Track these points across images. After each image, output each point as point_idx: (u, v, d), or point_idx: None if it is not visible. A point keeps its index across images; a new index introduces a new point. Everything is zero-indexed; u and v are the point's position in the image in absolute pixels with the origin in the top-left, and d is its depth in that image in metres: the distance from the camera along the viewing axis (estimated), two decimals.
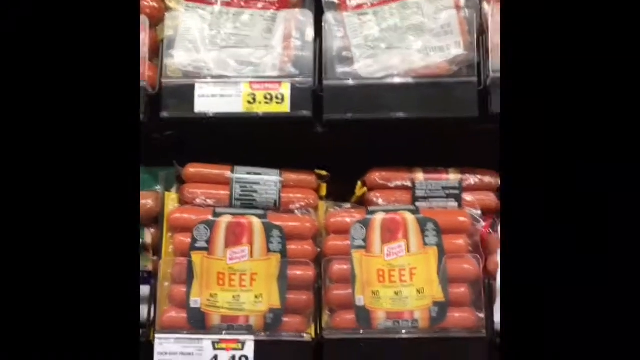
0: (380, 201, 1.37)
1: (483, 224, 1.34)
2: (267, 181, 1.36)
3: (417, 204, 1.37)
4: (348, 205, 1.38)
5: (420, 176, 1.39)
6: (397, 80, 1.27)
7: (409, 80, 1.27)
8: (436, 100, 1.26)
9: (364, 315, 1.26)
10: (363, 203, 1.39)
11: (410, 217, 1.30)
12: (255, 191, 1.36)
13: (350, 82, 1.28)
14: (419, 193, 1.38)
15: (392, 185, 1.38)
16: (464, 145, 1.38)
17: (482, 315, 1.25)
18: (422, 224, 1.30)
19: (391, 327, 1.25)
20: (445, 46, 1.29)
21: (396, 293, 1.27)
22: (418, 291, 1.27)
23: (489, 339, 1.22)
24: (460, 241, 1.30)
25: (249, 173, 1.36)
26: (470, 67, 1.27)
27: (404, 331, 1.24)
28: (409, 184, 1.38)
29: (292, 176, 1.38)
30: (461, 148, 1.39)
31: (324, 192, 1.40)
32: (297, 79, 1.28)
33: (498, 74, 1.25)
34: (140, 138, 0.95)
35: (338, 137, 1.32)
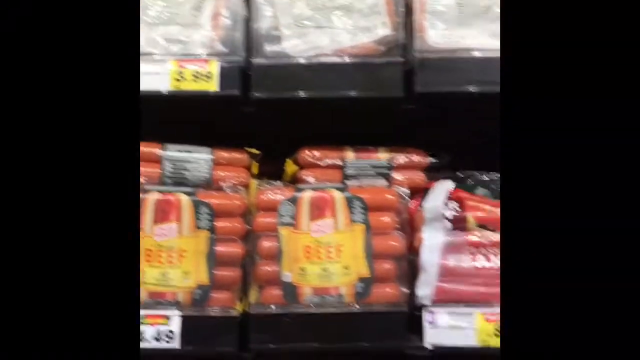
0: (311, 179, 1.39)
1: (411, 201, 1.37)
2: (198, 159, 1.37)
3: (348, 182, 1.39)
4: (279, 184, 1.40)
5: (350, 155, 1.42)
6: (325, 59, 1.29)
7: (337, 59, 1.29)
8: (363, 80, 1.28)
9: (290, 290, 1.28)
10: (295, 182, 1.41)
11: (338, 195, 1.33)
12: (187, 169, 1.36)
13: (279, 61, 1.29)
14: (349, 171, 1.41)
15: (322, 163, 1.40)
16: (393, 125, 1.41)
17: (405, 290, 1.29)
18: (349, 202, 1.32)
19: (317, 302, 1.28)
20: (372, 26, 1.31)
21: (323, 269, 1.30)
22: (344, 267, 1.30)
23: (410, 313, 1.26)
24: (387, 218, 1.32)
25: (179, 151, 1.37)
26: (397, 47, 1.30)
27: (329, 306, 1.28)
28: (339, 162, 1.40)
29: (224, 154, 1.40)
30: (390, 128, 1.41)
31: (256, 170, 1.42)
32: (225, 57, 1.29)
33: (423, 55, 1.28)
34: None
35: (269, 115, 1.33)
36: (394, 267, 1.31)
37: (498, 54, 1.22)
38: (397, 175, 1.41)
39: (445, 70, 1.27)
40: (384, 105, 1.33)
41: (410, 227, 1.36)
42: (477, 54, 1.28)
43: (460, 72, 1.27)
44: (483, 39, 1.29)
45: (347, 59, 1.29)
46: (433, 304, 1.26)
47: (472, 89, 1.27)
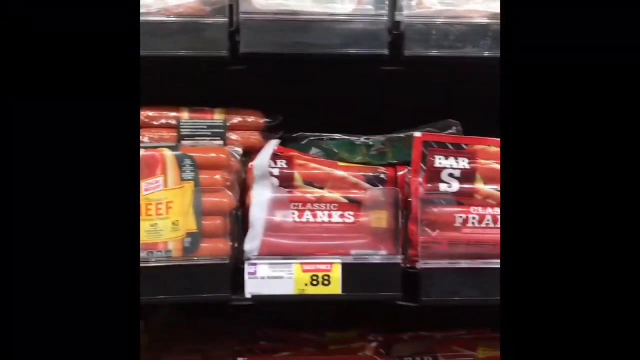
0: (146, 139, 1.41)
1: (239, 159, 1.42)
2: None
3: (183, 142, 1.42)
4: None
5: (185, 115, 1.44)
6: (150, 18, 1.30)
7: (162, 18, 1.31)
8: (188, 39, 1.30)
9: None
10: None
11: (168, 154, 1.35)
12: None
13: None
14: (183, 131, 1.43)
15: (157, 123, 1.42)
16: (225, 87, 1.44)
17: (234, 244, 1.35)
18: (180, 160, 1.35)
19: (144, 257, 1.31)
20: None
21: (151, 225, 1.32)
22: (173, 223, 1.33)
23: (233, 264, 1.32)
24: (217, 176, 1.36)
25: None
26: (223, 8, 1.32)
27: (154, 260, 1.31)
28: (174, 122, 1.43)
29: None
30: (223, 89, 1.44)
31: None
32: None
33: (247, 16, 1.31)
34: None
35: None
36: (222, 223, 1.35)
37: (322, 18, 1.30)
38: (232, 136, 1.45)
39: (270, 32, 1.31)
40: (214, 65, 1.37)
41: (245, 185, 1.42)
42: (301, 17, 1.33)
43: (283, 33, 1.31)
44: (307, 2, 1.34)
45: (172, 18, 1.30)
46: (255, 257, 1.32)
47: (296, 50, 1.32)
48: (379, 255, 1.33)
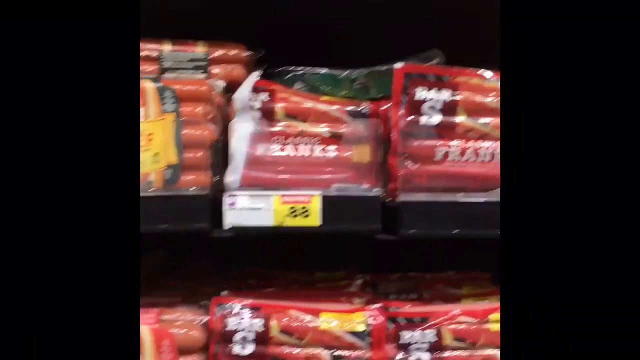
0: None
1: (222, 92, 1.41)
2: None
3: (165, 75, 1.41)
4: None
5: (167, 47, 1.43)
6: None
7: None
8: None
9: None
10: None
11: (149, 85, 1.34)
12: None
13: None
14: (165, 64, 1.43)
15: None
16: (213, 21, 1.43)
17: (215, 177, 1.35)
18: (161, 92, 1.34)
19: None
20: None
21: None
22: (154, 155, 1.33)
23: (213, 197, 1.32)
24: (199, 109, 1.36)
25: None
26: None
27: None
28: (155, 54, 1.42)
29: None
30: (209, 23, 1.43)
31: None
32: None
33: None
34: None
35: None
36: (203, 156, 1.35)
37: None
38: (214, 69, 1.44)
39: None
40: None
41: (227, 119, 1.41)
42: None
43: None
44: None
45: None
46: (236, 189, 1.32)
47: None
48: (359, 188, 1.32)
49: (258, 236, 1.32)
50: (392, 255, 1.73)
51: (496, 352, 1.33)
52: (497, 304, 1.38)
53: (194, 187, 1.32)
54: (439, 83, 1.30)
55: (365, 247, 1.97)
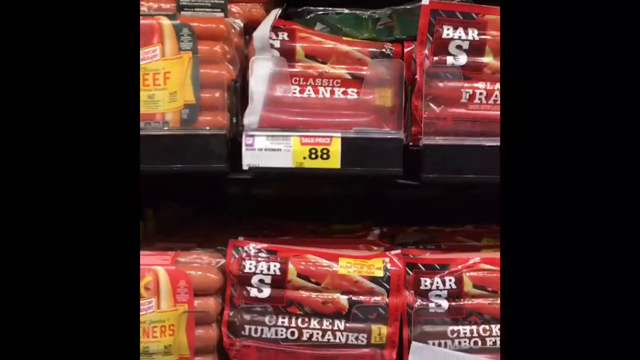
0: (144, 9, 1.36)
1: (240, 32, 1.36)
2: None
3: (182, 12, 1.37)
4: None
5: None
6: None
7: None
8: None
9: None
10: None
11: (166, 22, 1.30)
12: None
13: None
14: (183, 1, 1.37)
15: None
16: None
17: (233, 119, 1.31)
18: (177, 30, 1.30)
19: (142, 127, 1.29)
20: None
21: (149, 96, 1.30)
22: (171, 94, 1.30)
23: (231, 138, 1.29)
24: (217, 48, 1.32)
25: None
26: None
27: (153, 131, 1.29)
28: None
29: None
30: None
31: None
32: None
33: None
34: None
35: None
36: (221, 96, 1.32)
37: None
38: (233, 8, 1.39)
39: None
40: None
41: (246, 58, 1.37)
42: None
43: None
44: None
45: None
46: (254, 129, 1.29)
47: None
48: (381, 131, 1.29)
49: (277, 178, 1.29)
50: (409, 212, 1.71)
51: None
52: None
53: (212, 127, 1.30)
54: (466, 21, 1.25)
55: (381, 203, 1.95)
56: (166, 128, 1.29)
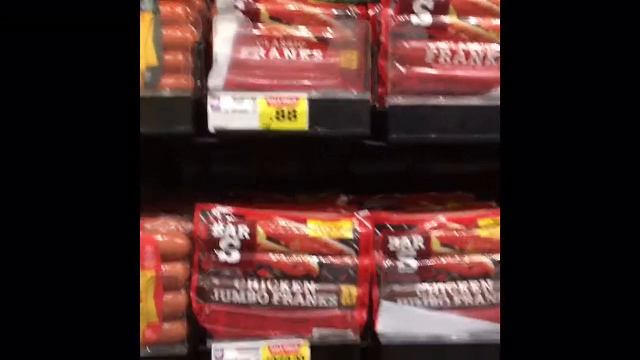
0: None
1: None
2: None
3: None
4: None
5: None
6: None
7: None
8: None
9: None
10: None
11: None
12: None
13: None
14: None
15: None
16: None
17: (197, 81, 1.29)
18: None
19: None
20: None
21: None
22: None
23: (195, 101, 1.27)
24: (179, 9, 1.29)
25: None
26: None
27: None
28: None
29: None
30: None
31: None
32: None
33: None
34: None
35: None
36: (184, 58, 1.29)
37: None
38: None
39: None
40: None
41: (209, 22, 1.34)
42: None
43: None
44: None
45: None
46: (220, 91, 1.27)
47: None
48: (348, 92, 1.29)
49: (243, 141, 1.28)
50: (374, 184, 1.72)
51: (485, 259, 1.33)
52: (485, 211, 1.39)
53: (176, 89, 1.27)
54: None
55: (347, 177, 1.96)
56: None
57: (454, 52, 1.27)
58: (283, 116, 1.25)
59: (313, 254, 1.31)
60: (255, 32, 1.30)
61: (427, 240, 1.32)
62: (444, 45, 1.28)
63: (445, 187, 1.71)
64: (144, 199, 1.74)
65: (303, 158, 1.95)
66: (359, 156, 1.93)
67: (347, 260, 1.31)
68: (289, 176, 1.96)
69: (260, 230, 1.30)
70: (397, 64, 1.27)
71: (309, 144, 1.65)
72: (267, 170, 1.96)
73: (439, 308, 1.33)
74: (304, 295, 1.30)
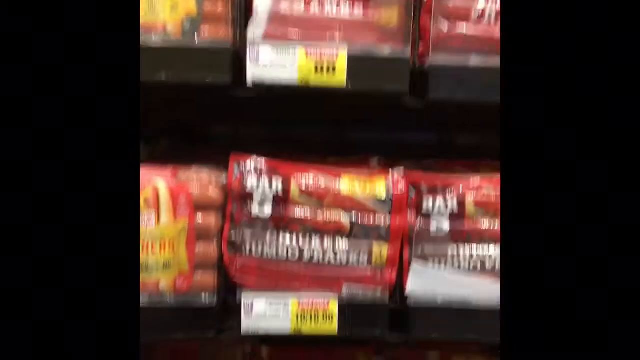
0: None
1: None
2: None
3: None
4: None
5: None
6: None
7: None
8: None
9: None
10: None
11: None
12: None
13: None
14: None
15: None
16: None
17: (236, 32, 1.28)
18: None
19: (142, 40, 1.25)
20: None
21: (148, 3, 1.25)
22: (172, 4, 1.26)
23: (234, 53, 1.25)
24: None
25: None
26: None
27: (152, 42, 1.25)
28: None
29: None
30: None
31: None
32: None
33: None
34: None
35: None
36: (224, 8, 1.27)
37: None
38: None
39: None
40: None
41: None
42: None
43: None
44: None
45: None
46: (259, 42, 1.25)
47: None
48: (387, 49, 1.26)
49: (281, 95, 1.26)
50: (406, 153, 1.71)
51: None
52: None
53: (214, 39, 1.26)
54: None
55: (378, 144, 1.94)
56: (167, 40, 1.25)
57: (499, 13, 1.24)
58: (322, 69, 1.23)
59: (346, 211, 1.30)
60: None
61: (461, 202, 1.31)
62: (488, 5, 1.24)
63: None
64: (170, 153, 1.79)
65: (335, 122, 1.93)
66: (393, 122, 1.91)
67: (380, 218, 1.30)
68: (319, 140, 1.96)
69: (293, 184, 1.29)
70: (440, 23, 1.24)
71: (342, 108, 1.64)
72: (297, 135, 1.95)
73: (470, 271, 1.32)
74: (334, 252, 1.30)
